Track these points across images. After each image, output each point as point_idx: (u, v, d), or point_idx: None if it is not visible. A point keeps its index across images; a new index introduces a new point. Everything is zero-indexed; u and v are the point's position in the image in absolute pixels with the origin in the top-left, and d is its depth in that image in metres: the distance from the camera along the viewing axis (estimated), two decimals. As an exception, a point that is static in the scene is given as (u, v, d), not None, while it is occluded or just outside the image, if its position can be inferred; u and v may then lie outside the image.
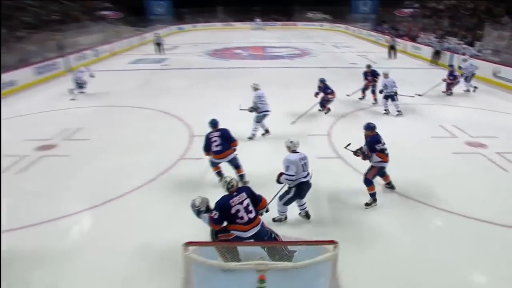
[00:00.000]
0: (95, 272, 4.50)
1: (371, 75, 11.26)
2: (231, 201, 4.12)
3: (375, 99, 11.25)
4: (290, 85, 13.03)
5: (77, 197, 6.31)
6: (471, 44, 17.72)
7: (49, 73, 15.96)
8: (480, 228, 5.26)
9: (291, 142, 5.09)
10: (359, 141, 5.89)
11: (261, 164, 6.92)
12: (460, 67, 13.00)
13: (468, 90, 12.37)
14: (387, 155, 5.67)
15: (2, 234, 5.08)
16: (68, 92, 12.53)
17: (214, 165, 6.41)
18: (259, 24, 38.55)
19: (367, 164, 5.81)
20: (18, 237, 5.22)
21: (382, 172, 5.92)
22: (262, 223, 4.34)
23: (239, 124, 8.06)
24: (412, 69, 17.49)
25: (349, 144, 5.89)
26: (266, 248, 4.20)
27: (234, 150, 6.34)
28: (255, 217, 4.24)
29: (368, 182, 5.69)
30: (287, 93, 12.00)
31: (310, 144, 7.96)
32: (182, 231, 4.59)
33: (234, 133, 6.38)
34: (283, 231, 4.78)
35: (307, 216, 5.44)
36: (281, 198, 5.19)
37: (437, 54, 17.92)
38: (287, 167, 4.90)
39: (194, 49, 24.87)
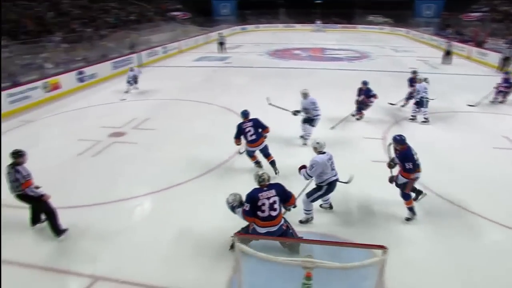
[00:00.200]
0: (142, 249, 4.77)
1: (416, 82, 10.07)
2: (259, 194, 4.16)
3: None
4: (346, 87, 12.64)
5: (140, 181, 6.66)
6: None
7: (124, 68, 16.93)
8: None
9: (318, 143, 5.03)
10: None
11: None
12: None
13: None
14: (418, 166, 5.12)
15: (72, 209, 5.56)
16: (126, 90, 12.49)
17: (251, 154, 6.63)
18: (320, 26, 37.93)
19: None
20: (84, 213, 5.65)
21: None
22: (281, 224, 4.30)
23: (292, 124, 7.97)
24: (476, 76, 16.25)
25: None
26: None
27: (265, 137, 6.50)
28: (277, 216, 4.22)
29: (406, 196, 5.22)
30: (342, 95, 11.67)
31: (364, 147, 7.73)
32: (227, 222, 4.69)
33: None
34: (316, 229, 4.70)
35: (330, 207, 5.51)
36: (309, 195, 5.11)
37: (506, 60, 16.43)
38: (311, 166, 4.90)
39: (256, 48, 25.06)
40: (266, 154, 6.57)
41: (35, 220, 5.14)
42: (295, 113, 7.87)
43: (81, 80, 13.90)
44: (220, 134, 8.63)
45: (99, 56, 16.67)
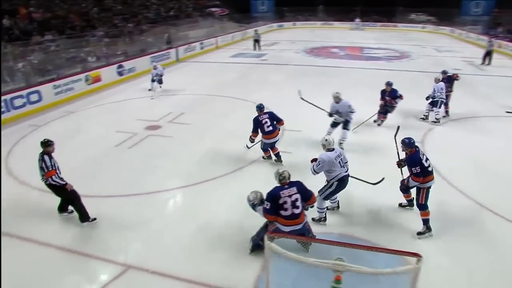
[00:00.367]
0: (171, 242, 4.88)
1: (446, 82, 9.49)
2: (281, 192, 4.14)
3: (447, 112, 9.67)
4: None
5: (172, 175, 6.81)
6: None
7: (161, 62, 17.30)
8: None
9: (326, 140, 5.04)
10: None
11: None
12: None
13: None
14: (430, 172, 4.85)
15: (107, 199, 5.77)
16: (154, 90, 12.31)
17: (266, 148, 6.86)
18: (359, 24, 37.08)
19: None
20: (117, 203, 5.85)
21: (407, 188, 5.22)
22: (305, 222, 4.29)
23: (327, 122, 7.84)
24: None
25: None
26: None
27: (279, 130, 6.82)
28: (300, 214, 4.20)
29: (422, 206, 4.89)
30: (378, 96, 11.34)
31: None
32: (256, 220, 4.63)
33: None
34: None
35: (338, 206, 5.46)
36: (320, 192, 5.06)
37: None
38: (318, 163, 4.92)
39: (292, 46, 24.89)
40: (273, 146, 6.87)
41: (61, 208, 5.37)
42: (331, 115, 7.63)
43: (120, 73, 14.40)
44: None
45: (138, 51, 17.19)
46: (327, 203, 5.28)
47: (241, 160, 7.19)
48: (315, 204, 4.99)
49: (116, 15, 21.01)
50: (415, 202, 5.06)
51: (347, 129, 7.58)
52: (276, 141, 6.83)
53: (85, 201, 5.24)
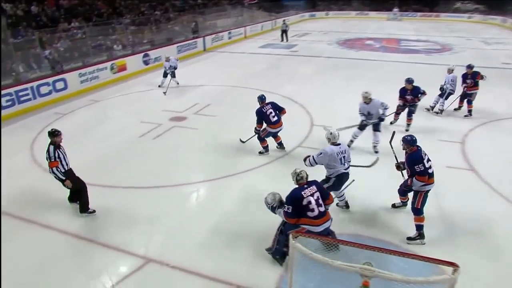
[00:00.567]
0: (192, 236, 4.92)
1: (471, 78, 8.89)
2: (302, 192, 4.08)
3: (469, 111, 9.09)
4: (420, 83, 11.77)
5: (196, 168, 6.89)
6: None
7: (188, 52, 17.61)
8: None
9: (331, 133, 5.09)
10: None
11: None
12: None
13: None
14: (431, 175, 4.62)
15: (128, 190, 5.90)
16: (160, 84, 12.06)
17: (269, 136, 7.05)
18: (396, 14, 36.07)
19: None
20: (139, 194, 5.96)
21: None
22: (331, 218, 4.23)
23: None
24: None
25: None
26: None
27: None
28: (325, 211, 4.16)
29: (417, 211, 4.71)
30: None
31: (439, 151, 7.19)
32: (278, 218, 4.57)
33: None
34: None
35: (347, 206, 5.42)
36: None
37: None
38: (320, 153, 4.98)
39: (324, 37, 24.56)
40: (275, 135, 7.16)
41: (71, 199, 5.50)
42: (363, 122, 7.17)
43: (146, 63, 14.66)
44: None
45: (165, 40, 17.45)
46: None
47: (267, 156, 7.16)
48: None
49: (143, 2, 21.35)
50: (410, 206, 4.86)
51: (379, 131, 7.16)
52: (280, 130, 7.05)
53: (105, 191, 5.37)
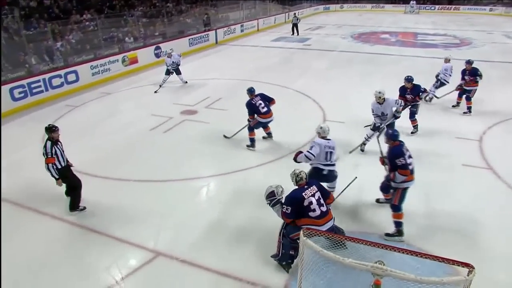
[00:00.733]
0: (201, 230, 4.96)
1: (469, 74, 8.63)
2: (303, 193, 4.05)
3: (469, 108, 8.81)
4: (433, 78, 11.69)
5: (206, 162, 6.93)
6: None
7: (200, 45, 17.64)
8: None
9: (321, 128, 5.21)
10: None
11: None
12: None
13: None
14: (411, 171, 4.62)
15: (138, 183, 5.96)
16: (162, 84, 11.47)
17: (259, 127, 7.26)
18: (414, 7, 35.51)
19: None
20: (149, 188, 6.01)
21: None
22: (333, 217, 4.21)
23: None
24: None
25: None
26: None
27: None
28: (327, 211, 4.14)
29: (396, 207, 4.73)
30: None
31: (456, 148, 7.10)
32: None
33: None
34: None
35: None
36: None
37: None
38: (312, 147, 5.05)
39: (338, 30, 24.35)
40: (265, 125, 7.41)
41: (68, 194, 5.48)
42: (375, 125, 6.93)
43: (157, 55, 14.73)
44: (292, 120, 8.56)
45: (176, 32, 17.50)
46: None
47: (278, 151, 7.16)
48: None
49: (155, -6, 21.43)
50: (389, 202, 4.86)
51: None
52: (271, 120, 7.26)
53: (116, 184, 5.38)
